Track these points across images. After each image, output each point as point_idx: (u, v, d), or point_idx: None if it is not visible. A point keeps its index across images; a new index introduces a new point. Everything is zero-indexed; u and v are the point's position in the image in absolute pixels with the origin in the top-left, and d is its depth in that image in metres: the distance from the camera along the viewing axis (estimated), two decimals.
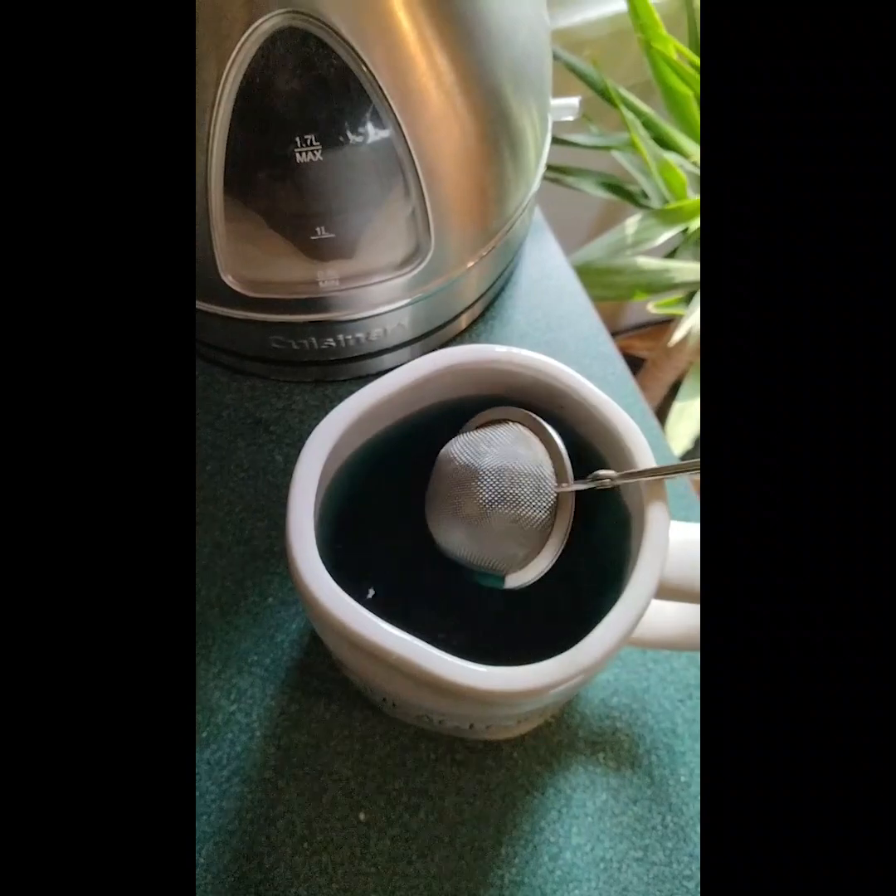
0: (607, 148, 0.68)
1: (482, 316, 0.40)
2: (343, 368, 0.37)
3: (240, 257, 0.30)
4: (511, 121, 0.33)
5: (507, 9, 0.31)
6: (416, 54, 0.27)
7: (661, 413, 0.70)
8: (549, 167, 0.71)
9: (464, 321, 0.39)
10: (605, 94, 0.64)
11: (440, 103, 0.29)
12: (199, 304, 0.32)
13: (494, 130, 0.32)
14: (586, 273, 0.61)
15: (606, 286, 0.63)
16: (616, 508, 0.26)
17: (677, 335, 0.62)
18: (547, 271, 0.41)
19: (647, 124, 0.67)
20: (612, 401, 0.25)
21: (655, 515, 0.23)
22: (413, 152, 0.28)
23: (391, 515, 0.26)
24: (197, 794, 0.30)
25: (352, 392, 0.25)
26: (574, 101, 0.38)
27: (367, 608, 0.21)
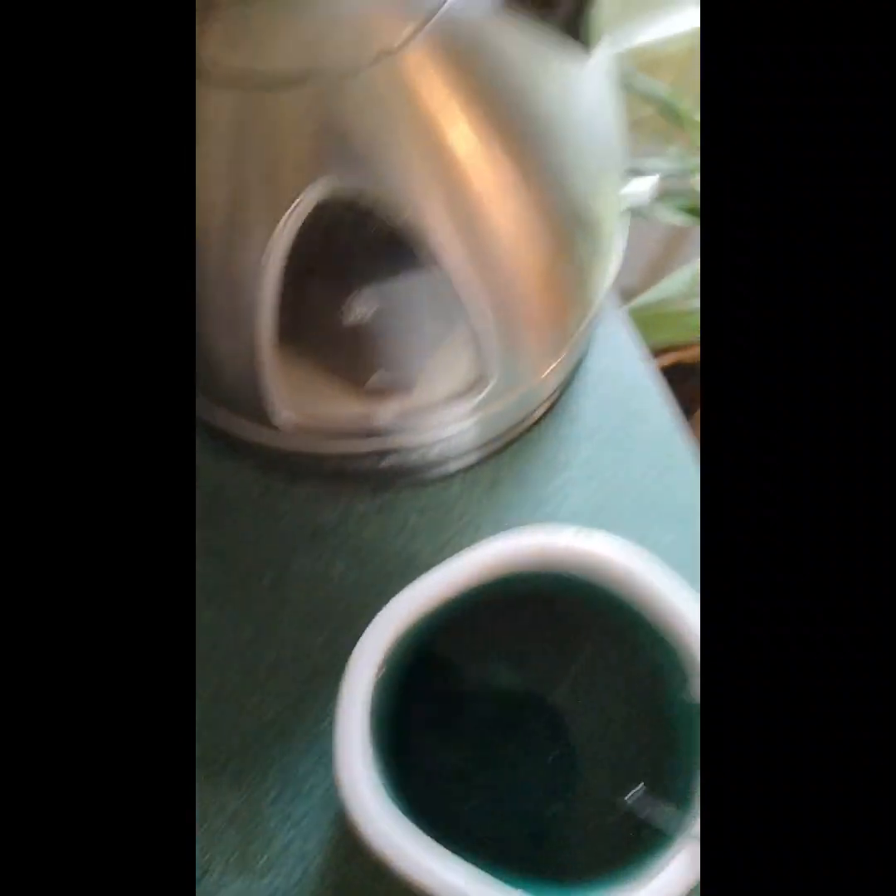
0: (688, 174, 0.64)
1: (549, 410, 0.38)
2: (403, 478, 0.36)
3: (295, 401, 0.28)
4: (586, 232, 0.31)
5: (580, 116, 0.28)
6: (478, 200, 0.25)
7: None
8: None
9: (531, 420, 0.37)
10: (678, 120, 0.61)
11: (506, 239, 0.27)
12: (252, 433, 0.31)
13: (567, 248, 0.30)
14: (658, 318, 0.58)
15: (681, 328, 0.60)
16: None
17: None
18: (618, 361, 0.39)
19: None
20: (676, 588, 0.24)
21: None
22: (474, 292, 0.27)
23: (446, 709, 0.25)
24: None
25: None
26: (649, 181, 0.35)
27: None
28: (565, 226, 0.29)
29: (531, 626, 0.27)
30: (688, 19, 0.65)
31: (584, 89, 0.29)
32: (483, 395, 0.30)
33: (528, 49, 0.26)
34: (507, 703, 0.26)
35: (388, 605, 0.23)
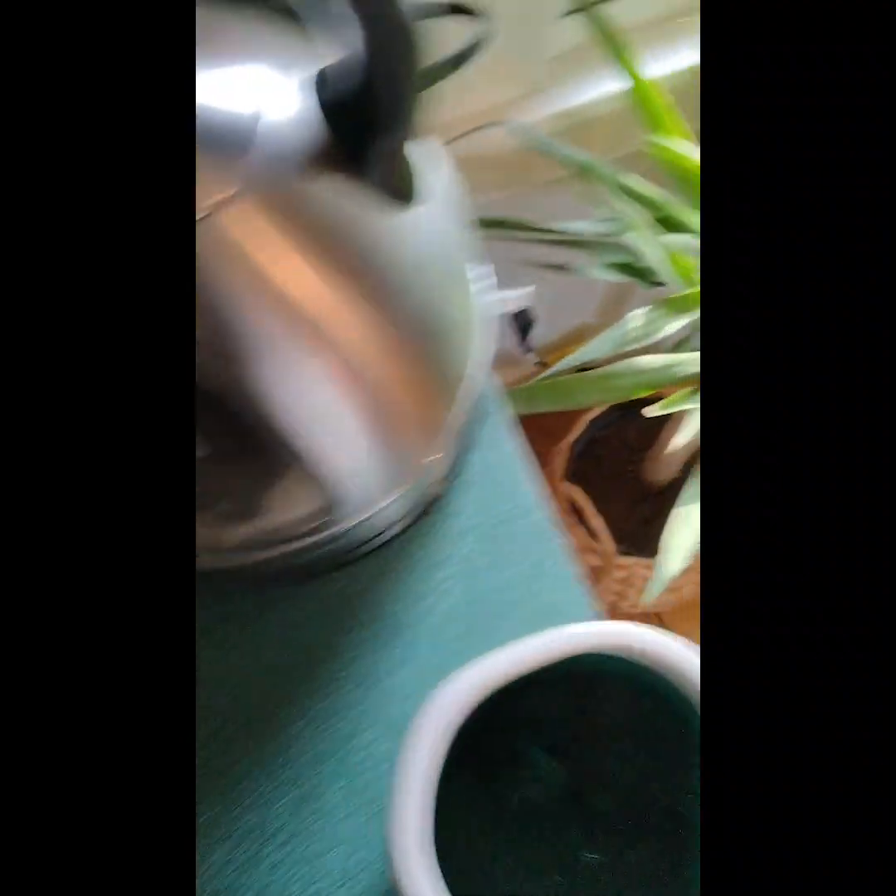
0: (613, 235, 0.65)
1: (430, 507, 0.39)
2: (280, 580, 0.36)
3: None
4: (438, 341, 0.32)
5: (418, 235, 0.29)
6: (316, 335, 0.26)
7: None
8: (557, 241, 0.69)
9: (411, 517, 0.38)
10: (601, 183, 0.61)
11: (350, 363, 0.28)
12: None
13: (419, 361, 0.31)
14: (581, 383, 0.59)
15: (606, 390, 0.60)
16: None
17: (680, 439, 0.60)
18: (498, 458, 0.40)
19: (653, 206, 0.64)
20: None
21: None
22: (307, 431, 0.27)
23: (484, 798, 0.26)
24: None
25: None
26: (524, 292, 0.36)
27: None
28: (413, 340, 0.30)
29: (578, 716, 0.28)
30: (616, 81, 0.65)
31: (420, 211, 0.30)
32: (332, 527, 0.31)
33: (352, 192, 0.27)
34: (546, 801, 0.27)
35: (440, 689, 0.24)
